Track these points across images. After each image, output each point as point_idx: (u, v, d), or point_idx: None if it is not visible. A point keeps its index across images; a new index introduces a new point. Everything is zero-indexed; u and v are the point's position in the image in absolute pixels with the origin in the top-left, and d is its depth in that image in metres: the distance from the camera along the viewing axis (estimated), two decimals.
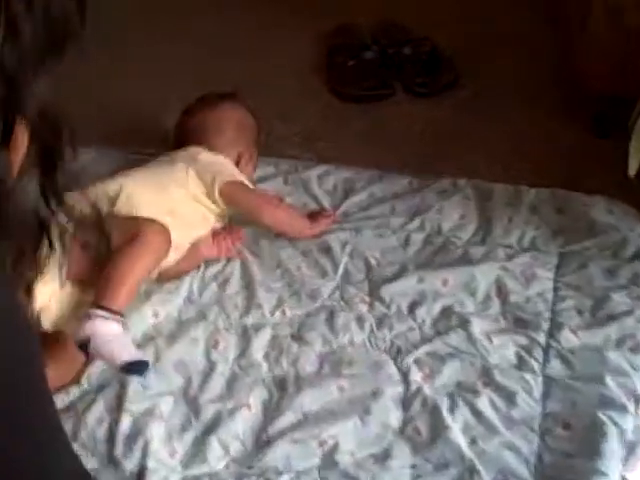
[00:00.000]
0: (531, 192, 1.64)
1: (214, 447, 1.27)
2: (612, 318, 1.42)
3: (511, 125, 1.84)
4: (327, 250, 1.56)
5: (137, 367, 1.29)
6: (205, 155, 1.56)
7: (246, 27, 2.10)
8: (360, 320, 1.45)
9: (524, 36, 2.01)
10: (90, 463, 1.24)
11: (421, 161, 1.78)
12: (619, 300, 1.45)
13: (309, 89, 1.95)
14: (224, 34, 2.07)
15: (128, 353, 1.29)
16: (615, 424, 1.26)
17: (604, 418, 1.27)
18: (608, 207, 1.60)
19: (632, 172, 1.42)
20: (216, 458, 1.27)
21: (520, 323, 1.43)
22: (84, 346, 1.28)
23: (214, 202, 1.53)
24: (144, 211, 1.43)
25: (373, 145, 1.83)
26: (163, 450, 1.27)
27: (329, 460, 1.26)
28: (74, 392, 1.34)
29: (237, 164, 1.60)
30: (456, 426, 1.29)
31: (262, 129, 1.69)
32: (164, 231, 1.41)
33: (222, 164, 1.57)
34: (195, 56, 2.03)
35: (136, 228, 1.37)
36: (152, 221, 1.40)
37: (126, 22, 2.14)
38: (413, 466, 1.25)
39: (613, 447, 1.24)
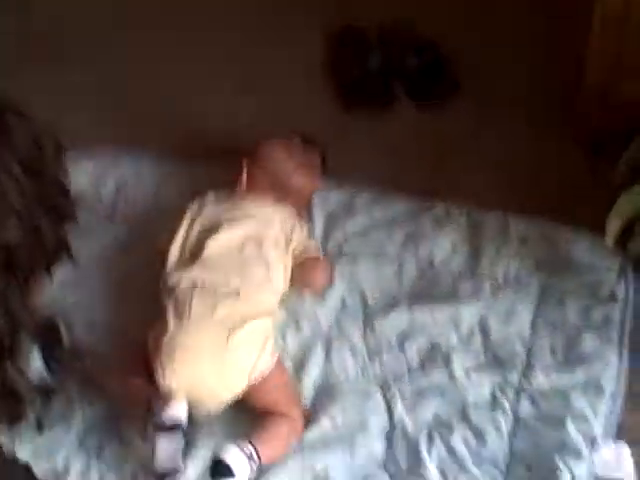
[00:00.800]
0: (520, 222, 1.76)
1: None
2: (581, 360, 1.57)
3: (509, 138, 1.93)
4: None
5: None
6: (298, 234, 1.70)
7: (249, 28, 2.17)
8: (354, 350, 1.62)
9: (525, 43, 2.07)
10: None
11: (421, 175, 1.89)
12: (590, 342, 1.60)
13: (315, 94, 2.04)
14: (227, 40, 2.14)
15: None
16: (569, 470, 1.44)
17: (560, 463, 1.44)
18: (590, 245, 1.71)
19: (609, 244, 1.52)
20: None
21: (497, 361, 1.59)
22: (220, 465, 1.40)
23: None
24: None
25: (375, 154, 1.93)
26: None
27: None
28: None
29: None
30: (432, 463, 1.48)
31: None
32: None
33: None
34: (201, 61, 2.12)
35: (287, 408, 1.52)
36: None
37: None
38: None
39: None
